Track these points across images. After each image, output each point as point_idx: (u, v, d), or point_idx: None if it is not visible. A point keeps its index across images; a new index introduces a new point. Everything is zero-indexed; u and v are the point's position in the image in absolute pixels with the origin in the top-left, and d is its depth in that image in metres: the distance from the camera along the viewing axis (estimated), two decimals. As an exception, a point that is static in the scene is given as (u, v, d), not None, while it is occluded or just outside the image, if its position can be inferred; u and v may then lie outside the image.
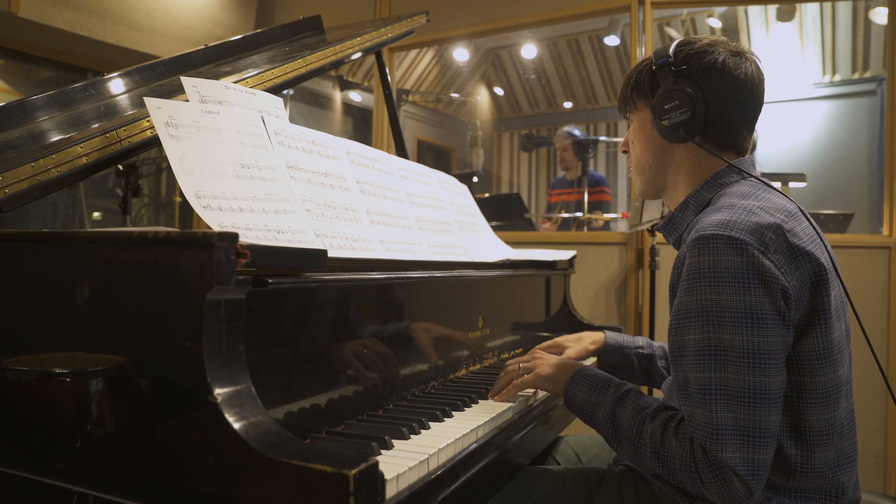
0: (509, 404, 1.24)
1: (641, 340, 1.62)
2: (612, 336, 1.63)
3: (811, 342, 1.02)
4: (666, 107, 1.16)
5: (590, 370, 1.22)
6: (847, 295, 1.12)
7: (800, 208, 1.11)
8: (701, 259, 1.01)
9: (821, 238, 1.09)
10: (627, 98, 1.28)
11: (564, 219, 4.29)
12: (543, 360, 1.30)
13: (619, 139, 6.09)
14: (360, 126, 6.29)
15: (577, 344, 1.61)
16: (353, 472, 0.68)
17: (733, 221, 1.02)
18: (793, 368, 1.03)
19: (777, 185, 1.18)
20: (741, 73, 1.16)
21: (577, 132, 4.35)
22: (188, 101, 1.15)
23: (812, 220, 1.11)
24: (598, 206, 4.25)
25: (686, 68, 1.16)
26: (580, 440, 1.60)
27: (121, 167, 3.14)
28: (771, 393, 0.98)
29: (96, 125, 1.29)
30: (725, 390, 0.98)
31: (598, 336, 1.63)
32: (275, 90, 1.55)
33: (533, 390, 1.34)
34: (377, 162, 1.56)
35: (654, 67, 1.20)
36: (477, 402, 1.25)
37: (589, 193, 4.17)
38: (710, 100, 1.15)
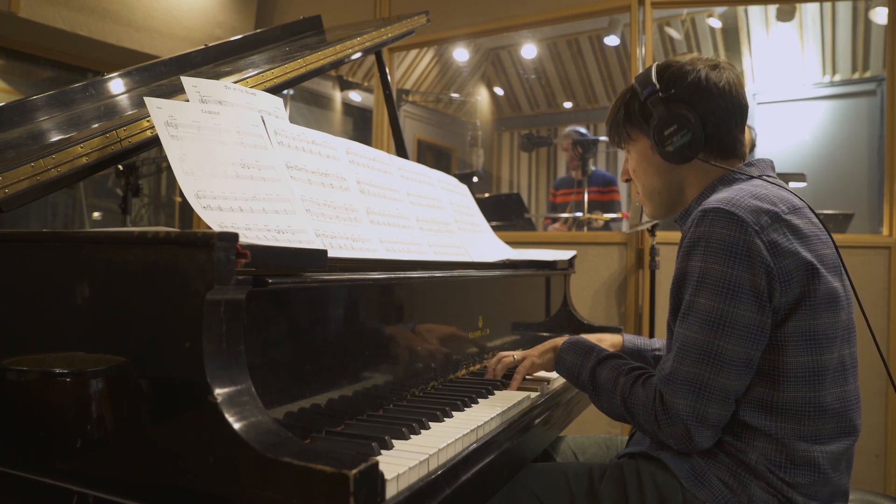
0: (511, 403, 1.24)
1: (658, 342, 1.67)
2: (630, 339, 1.66)
3: (795, 325, 1.07)
4: (665, 133, 1.21)
5: (580, 339, 1.36)
6: (857, 296, 1.15)
7: (808, 206, 1.16)
8: (699, 229, 1.10)
9: (828, 234, 1.13)
10: (620, 131, 1.33)
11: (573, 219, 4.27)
12: (534, 349, 1.44)
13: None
14: (360, 126, 6.29)
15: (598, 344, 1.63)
16: (354, 472, 0.68)
17: (736, 199, 1.09)
18: (774, 348, 1.08)
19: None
20: (724, 83, 1.21)
21: (584, 132, 4.34)
22: (188, 101, 1.15)
23: (819, 216, 1.15)
24: (609, 205, 4.23)
25: (674, 92, 1.21)
26: (579, 440, 1.61)
27: (121, 167, 3.13)
28: (727, 358, 1.06)
29: (96, 125, 1.29)
30: (687, 346, 1.08)
31: (616, 339, 1.65)
32: (275, 90, 1.55)
33: (537, 392, 1.37)
34: (377, 162, 1.56)
35: (641, 98, 1.24)
36: (477, 402, 1.25)
37: (601, 193, 4.16)
38: (704, 116, 1.20)
